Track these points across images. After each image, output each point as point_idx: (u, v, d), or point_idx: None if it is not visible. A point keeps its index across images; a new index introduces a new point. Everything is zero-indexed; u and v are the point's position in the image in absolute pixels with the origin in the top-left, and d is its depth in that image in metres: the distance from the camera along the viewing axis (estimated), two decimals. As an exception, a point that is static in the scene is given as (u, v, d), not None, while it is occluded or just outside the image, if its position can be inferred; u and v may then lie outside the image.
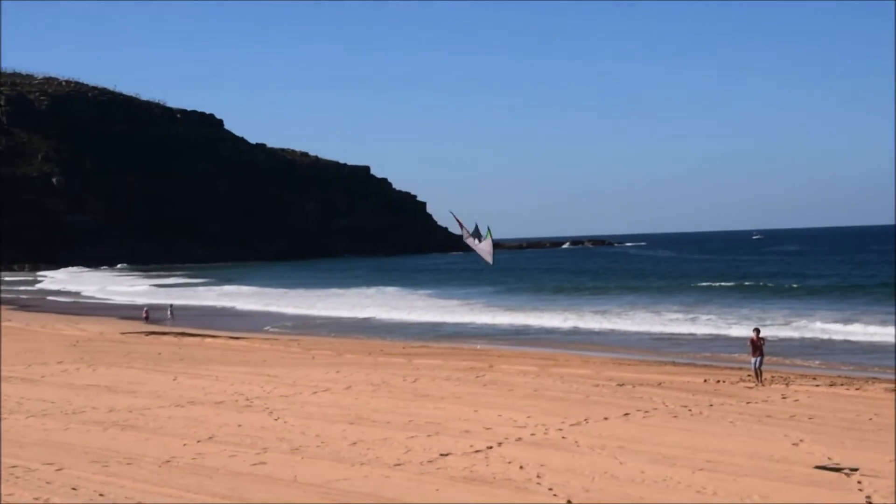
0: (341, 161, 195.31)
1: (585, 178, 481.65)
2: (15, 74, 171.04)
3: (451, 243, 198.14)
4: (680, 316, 40.07)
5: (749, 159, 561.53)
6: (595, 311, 44.57)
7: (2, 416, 16.92)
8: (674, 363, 26.21)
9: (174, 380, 21.84)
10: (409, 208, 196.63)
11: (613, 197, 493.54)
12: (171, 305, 50.39)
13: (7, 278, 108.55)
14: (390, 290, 68.67)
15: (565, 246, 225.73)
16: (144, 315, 46.68)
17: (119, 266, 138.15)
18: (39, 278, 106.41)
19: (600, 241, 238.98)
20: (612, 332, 36.46)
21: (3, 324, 42.22)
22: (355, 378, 22.04)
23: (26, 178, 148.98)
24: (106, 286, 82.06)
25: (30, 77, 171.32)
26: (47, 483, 11.84)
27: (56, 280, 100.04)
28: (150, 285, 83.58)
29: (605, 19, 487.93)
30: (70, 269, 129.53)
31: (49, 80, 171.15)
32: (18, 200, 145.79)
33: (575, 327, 38.23)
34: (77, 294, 73.98)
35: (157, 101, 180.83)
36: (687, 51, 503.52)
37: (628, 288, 62.99)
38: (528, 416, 16.41)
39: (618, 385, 20.71)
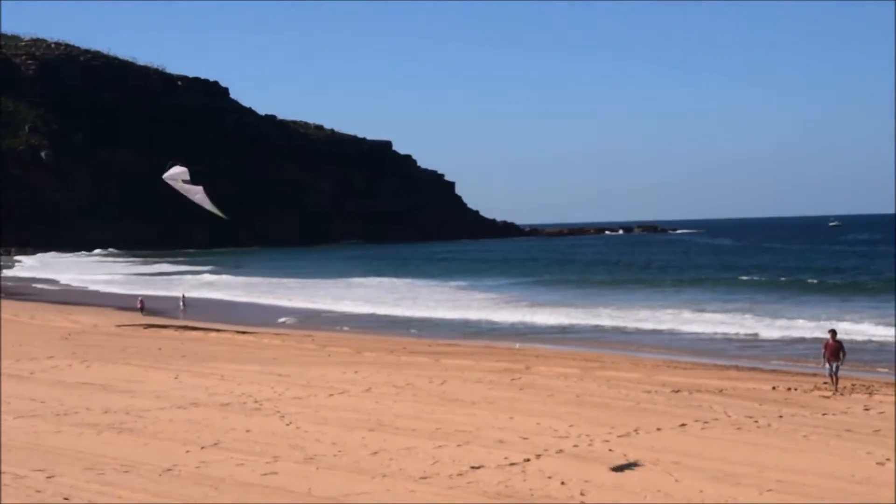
0: (360, 135, 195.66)
1: (635, 155, 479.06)
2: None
3: (484, 228, 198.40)
4: (741, 314, 39.84)
5: (827, 132, 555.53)
6: (645, 306, 44.45)
7: (-14, 416, 17.13)
8: (737, 367, 26.08)
9: (175, 378, 22.01)
10: (436, 189, 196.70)
11: (667, 177, 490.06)
12: (184, 296, 50.60)
13: None
14: (413, 281, 68.87)
15: (612, 233, 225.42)
16: (139, 305, 47.21)
17: (101, 251, 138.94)
18: (8, 264, 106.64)
19: (652, 228, 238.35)
20: (664, 331, 36.30)
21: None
22: (376, 379, 22.11)
23: (12, 151, 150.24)
24: (81, 274, 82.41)
25: (16, 39, 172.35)
26: (37, 492, 11.98)
27: (26, 266, 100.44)
28: (129, 274, 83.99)
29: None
30: (49, 254, 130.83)
31: (37, 43, 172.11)
32: (3, 176, 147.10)
33: (621, 325, 38.09)
34: (54, 282, 74.59)
35: (155, 66, 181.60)
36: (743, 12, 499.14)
37: (681, 281, 62.79)
38: (571, 425, 16.41)
39: (672, 391, 20.65)
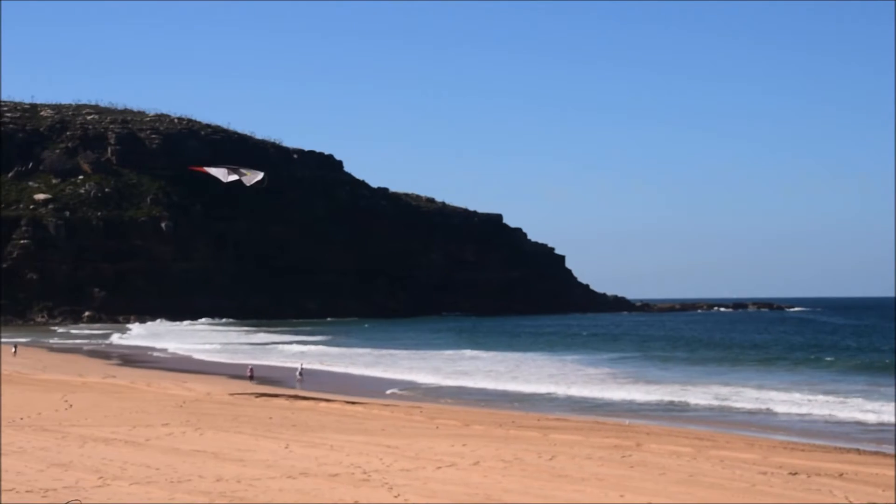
0: (471, 208, 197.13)
1: (751, 230, 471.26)
2: (126, 112, 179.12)
3: (593, 302, 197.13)
4: (860, 396, 38.54)
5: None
6: (758, 385, 43.42)
7: (105, 482, 17.49)
8: (857, 451, 25.19)
9: (286, 448, 22.17)
10: (545, 262, 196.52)
11: (784, 253, 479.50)
12: (301, 366, 51.12)
13: (85, 331, 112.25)
14: (521, 354, 68.57)
15: (725, 309, 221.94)
16: (249, 374, 48.11)
17: (216, 319, 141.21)
18: (120, 331, 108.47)
19: (767, 305, 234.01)
20: (779, 412, 35.29)
21: (107, 380, 43.82)
22: (484, 452, 21.95)
23: (134, 222, 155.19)
24: (195, 343, 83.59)
25: (141, 114, 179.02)
26: (150, 558, 12.13)
27: (135, 334, 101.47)
28: (242, 343, 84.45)
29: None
30: (162, 321, 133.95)
31: (161, 118, 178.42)
32: (125, 246, 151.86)
33: (734, 405, 37.16)
34: (168, 351, 75.90)
35: (272, 140, 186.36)
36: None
37: (796, 360, 61.29)
38: (683, 506, 16.02)
39: (789, 473, 20.02)
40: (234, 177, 22.24)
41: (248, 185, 21.94)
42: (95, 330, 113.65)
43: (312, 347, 76.49)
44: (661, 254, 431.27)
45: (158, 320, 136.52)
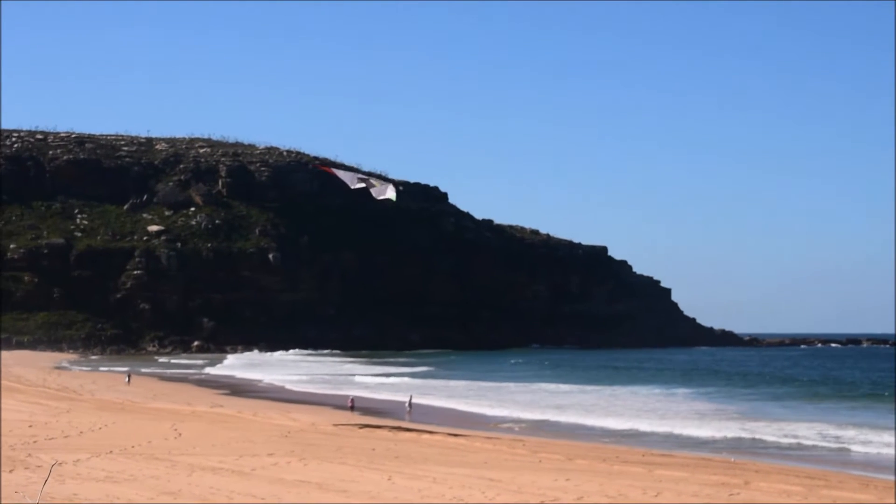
0: (575, 240, 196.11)
1: (865, 263, 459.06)
2: (237, 144, 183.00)
3: (700, 336, 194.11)
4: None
5: None
6: (871, 424, 42.14)
7: (210, 509, 17.76)
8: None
9: (388, 479, 22.26)
10: (651, 294, 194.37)
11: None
12: (411, 398, 50.68)
13: (184, 360, 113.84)
14: (626, 388, 67.81)
15: (837, 345, 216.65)
16: (350, 404, 48.56)
17: (320, 350, 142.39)
18: (213, 361, 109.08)
19: (882, 341, 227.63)
20: (892, 453, 34.09)
21: (215, 409, 44.59)
22: (587, 488, 21.73)
23: (243, 253, 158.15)
24: (301, 373, 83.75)
25: (252, 147, 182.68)
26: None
27: (226, 366, 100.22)
28: (345, 374, 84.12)
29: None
30: (254, 351, 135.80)
31: (270, 151, 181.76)
32: (234, 277, 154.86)
33: (846, 445, 36.05)
34: (277, 385, 76.53)
35: (378, 171, 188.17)
36: None
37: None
38: (793, 547, 15.62)
39: (903, 515, 19.38)
40: (362, 185, 22.31)
41: (376, 196, 21.93)
42: (197, 359, 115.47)
43: (429, 380, 75.13)
44: (771, 288, 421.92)
45: (255, 350, 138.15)
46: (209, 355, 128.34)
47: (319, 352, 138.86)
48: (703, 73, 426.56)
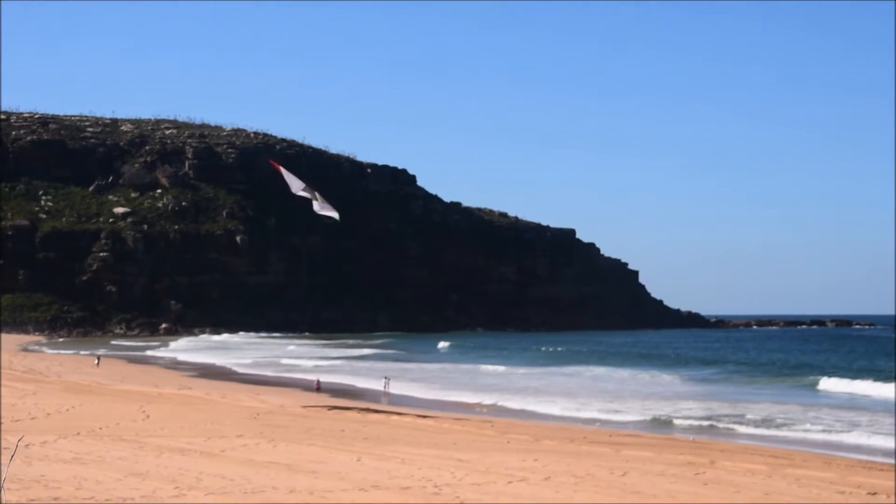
0: (543, 223, 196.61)
1: (827, 244, 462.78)
2: (204, 126, 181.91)
3: (667, 318, 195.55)
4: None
5: None
6: (835, 404, 42.73)
7: (181, 492, 17.80)
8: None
9: (358, 460, 22.36)
10: (618, 277, 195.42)
11: (863, 270, 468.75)
12: (387, 378, 50.79)
13: (137, 342, 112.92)
14: (594, 368, 68.33)
15: (802, 326, 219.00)
16: (316, 385, 48.84)
17: (288, 333, 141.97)
18: (161, 344, 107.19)
19: (845, 322, 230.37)
20: (855, 430, 34.58)
21: (183, 391, 44.52)
22: (555, 468, 21.93)
23: (210, 235, 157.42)
24: (221, 359, 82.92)
25: (218, 129, 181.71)
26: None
27: (171, 349, 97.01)
28: (317, 357, 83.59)
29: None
30: (213, 335, 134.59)
31: (237, 132, 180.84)
32: (202, 259, 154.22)
33: (811, 423, 36.48)
34: (247, 364, 76.36)
35: (346, 154, 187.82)
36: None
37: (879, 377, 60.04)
38: (757, 524, 15.85)
39: (868, 493, 19.69)
40: (306, 195, 22.41)
41: (316, 211, 22.05)
42: (150, 342, 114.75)
43: (402, 364, 74.18)
44: (736, 269, 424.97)
45: (202, 335, 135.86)
46: (172, 338, 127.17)
47: (286, 335, 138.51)
48: (704, 29, 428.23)
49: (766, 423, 35.87)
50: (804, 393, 50.62)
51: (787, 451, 28.24)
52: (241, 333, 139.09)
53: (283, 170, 23.20)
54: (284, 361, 75.51)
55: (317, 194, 22.90)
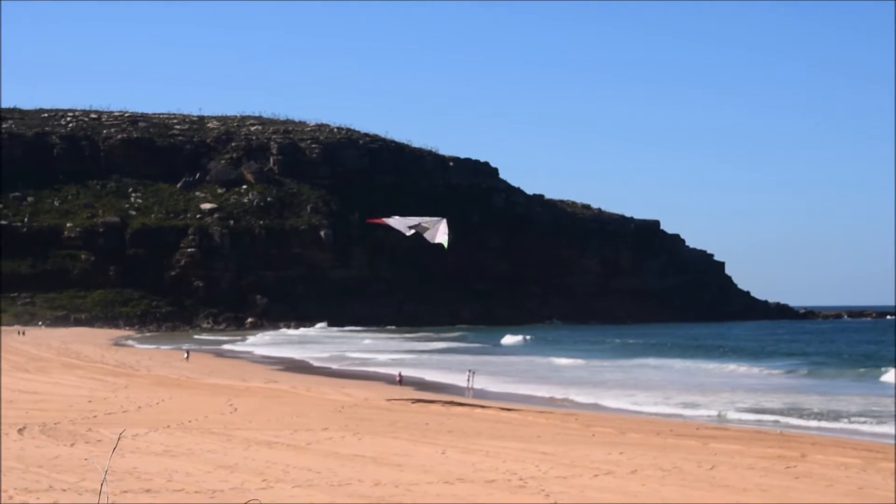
0: (627, 215, 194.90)
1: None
2: (288, 122, 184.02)
3: (754, 310, 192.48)
4: None
5: None
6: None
7: (269, 484, 17.99)
8: None
9: (442, 453, 22.37)
10: (704, 268, 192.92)
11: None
12: (471, 371, 48.99)
13: (219, 337, 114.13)
14: (683, 362, 67.62)
15: (891, 317, 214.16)
16: (398, 378, 48.92)
17: (372, 327, 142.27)
18: (239, 338, 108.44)
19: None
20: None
21: (269, 385, 45.03)
22: (641, 461, 21.69)
23: (295, 230, 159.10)
24: (354, 350, 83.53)
25: (302, 124, 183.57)
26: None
27: (247, 344, 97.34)
28: (399, 350, 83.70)
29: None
30: (293, 330, 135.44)
31: (321, 128, 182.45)
32: (286, 254, 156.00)
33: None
34: (337, 358, 76.93)
35: (429, 147, 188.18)
36: None
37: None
38: (851, 520, 15.49)
39: (964, 488, 19.13)
40: (414, 231, 22.34)
41: (430, 240, 21.96)
42: (234, 336, 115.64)
43: (485, 357, 74.47)
44: (827, 259, 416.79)
45: (285, 329, 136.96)
46: (253, 332, 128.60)
47: (369, 328, 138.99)
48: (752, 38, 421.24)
49: (857, 416, 35.09)
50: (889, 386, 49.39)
51: (881, 444, 27.56)
52: (319, 327, 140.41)
53: (387, 220, 23.28)
54: (356, 356, 75.52)
55: (423, 223, 22.88)
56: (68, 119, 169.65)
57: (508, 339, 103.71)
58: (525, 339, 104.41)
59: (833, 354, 77.02)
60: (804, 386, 49.29)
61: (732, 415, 35.90)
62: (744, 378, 54.69)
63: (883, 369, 56.21)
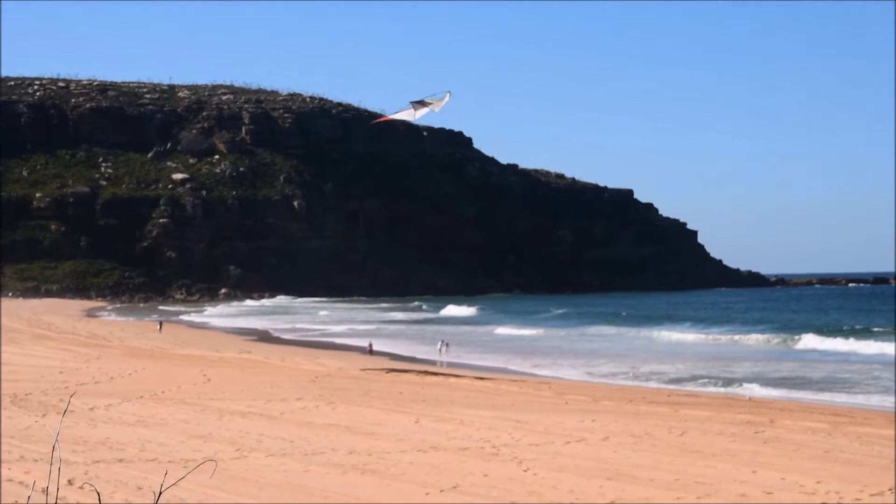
0: (601, 184, 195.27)
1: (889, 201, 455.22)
2: (260, 91, 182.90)
3: (727, 278, 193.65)
4: None
5: None
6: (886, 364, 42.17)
7: (242, 454, 18.11)
8: None
9: (416, 422, 22.54)
10: (677, 237, 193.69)
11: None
12: (443, 341, 48.29)
13: (181, 308, 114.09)
14: (649, 330, 68.04)
15: (863, 284, 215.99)
16: (368, 348, 49.05)
17: (346, 297, 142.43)
18: (200, 309, 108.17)
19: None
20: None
21: (243, 356, 45.06)
22: (613, 428, 21.94)
23: (268, 200, 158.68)
24: (328, 320, 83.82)
25: (274, 93, 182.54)
26: (286, 525, 12.54)
27: (204, 315, 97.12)
28: (374, 320, 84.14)
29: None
30: (255, 301, 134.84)
31: (293, 97, 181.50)
32: (260, 225, 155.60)
33: (873, 378, 36.08)
34: (308, 329, 77.12)
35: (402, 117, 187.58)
36: None
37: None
38: (818, 482, 15.77)
39: (930, 451, 19.47)
40: (424, 110, 22.06)
41: (437, 111, 21.69)
42: (190, 307, 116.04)
43: (464, 327, 75.13)
44: (799, 227, 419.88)
45: (248, 300, 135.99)
46: (219, 302, 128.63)
47: (342, 298, 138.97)
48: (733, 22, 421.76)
49: (820, 383, 35.54)
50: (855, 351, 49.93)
51: (848, 409, 27.96)
52: (281, 297, 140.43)
53: (390, 116, 23.05)
54: (314, 327, 75.50)
55: (425, 100, 22.63)
56: (35, 87, 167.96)
57: (452, 310, 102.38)
58: (473, 309, 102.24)
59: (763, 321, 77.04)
60: (771, 352, 49.78)
61: (729, 382, 36.17)
62: (697, 346, 55.40)
63: (796, 337, 57.17)
